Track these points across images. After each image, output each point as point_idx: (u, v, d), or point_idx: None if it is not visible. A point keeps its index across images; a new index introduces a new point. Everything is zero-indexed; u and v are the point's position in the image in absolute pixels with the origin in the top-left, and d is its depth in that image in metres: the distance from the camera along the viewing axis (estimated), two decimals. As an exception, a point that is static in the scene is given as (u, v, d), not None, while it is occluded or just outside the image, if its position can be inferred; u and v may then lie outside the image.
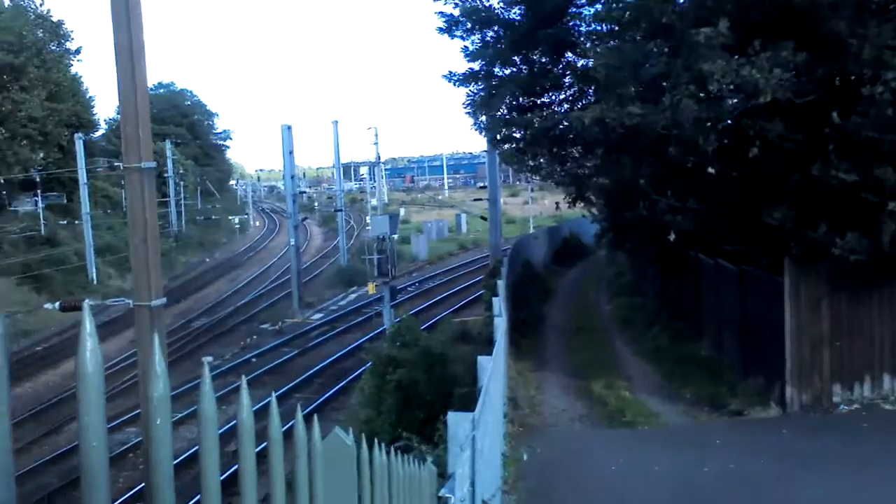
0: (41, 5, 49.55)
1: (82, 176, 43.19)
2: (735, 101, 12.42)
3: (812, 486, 9.25)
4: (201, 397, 1.86)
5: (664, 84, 12.86)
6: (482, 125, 20.47)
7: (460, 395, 13.25)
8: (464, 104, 19.18)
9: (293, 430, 2.23)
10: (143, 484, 9.02)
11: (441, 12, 18.29)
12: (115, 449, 18.37)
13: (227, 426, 15.50)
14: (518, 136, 20.19)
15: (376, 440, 3.26)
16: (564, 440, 13.00)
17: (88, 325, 1.56)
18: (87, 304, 1.61)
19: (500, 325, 12.93)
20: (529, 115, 19.10)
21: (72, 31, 51.42)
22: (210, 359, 24.83)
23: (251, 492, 1.95)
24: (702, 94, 12.14)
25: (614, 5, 14.78)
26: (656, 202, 14.57)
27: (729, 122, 13.12)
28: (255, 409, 2.11)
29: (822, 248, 12.10)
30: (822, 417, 12.79)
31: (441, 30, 19.38)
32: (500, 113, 19.80)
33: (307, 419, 2.38)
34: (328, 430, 2.58)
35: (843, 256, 11.78)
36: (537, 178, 21.71)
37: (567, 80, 19.32)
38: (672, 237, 14.90)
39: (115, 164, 46.11)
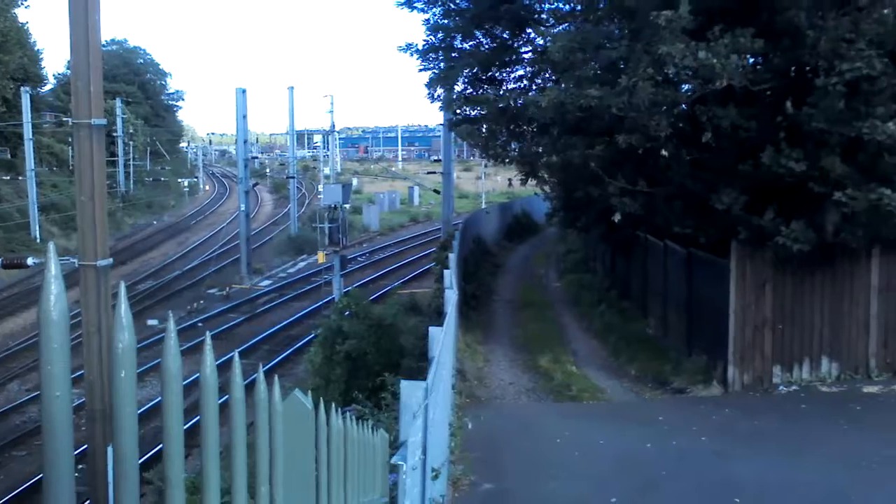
0: None
1: (27, 131, 41.99)
2: (691, 86, 12.54)
3: (751, 464, 9.51)
4: (165, 352, 1.83)
5: (623, 67, 12.90)
6: (440, 99, 20.32)
7: (409, 367, 13.32)
8: (424, 80, 19.03)
9: (248, 391, 2.21)
10: (85, 446, 8.94)
11: (401, -16, 18.04)
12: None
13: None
14: (474, 113, 20.06)
15: (333, 405, 3.27)
16: (511, 412, 13.15)
17: (53, 267, 1.50)
18: (52, 245, 1.54)
19: (451, 297, 12.97)
20: (487, 90, 18.98)
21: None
22: (156, 322, 24.47)
23: (213, 446, 1.93)
24: (659, 78, 12.23)
25: None
26: (607, 183, 14.68)
27: (684, 107, 13.25)
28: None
29: (768, 234, 12.36)
30: (762, 397, 13.13)
31: (400, 2, 19.09)
32: (458, 88, 19.65)
33: (267, 379, 2.37)
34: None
35: (786, 245, 12.05)
36: (491, 155, 21.53)
37: (527, 56, 19.23)
38: (617, 219, 14.94)
39: (64, 119, 44.85)
